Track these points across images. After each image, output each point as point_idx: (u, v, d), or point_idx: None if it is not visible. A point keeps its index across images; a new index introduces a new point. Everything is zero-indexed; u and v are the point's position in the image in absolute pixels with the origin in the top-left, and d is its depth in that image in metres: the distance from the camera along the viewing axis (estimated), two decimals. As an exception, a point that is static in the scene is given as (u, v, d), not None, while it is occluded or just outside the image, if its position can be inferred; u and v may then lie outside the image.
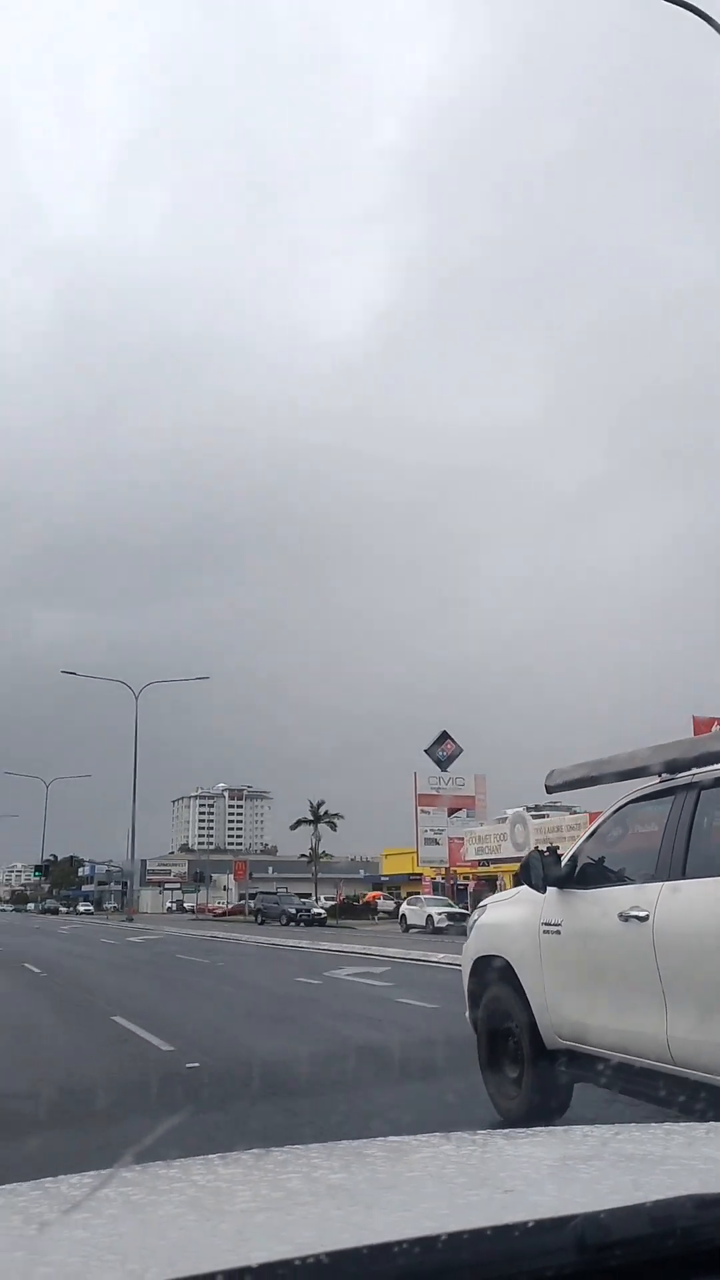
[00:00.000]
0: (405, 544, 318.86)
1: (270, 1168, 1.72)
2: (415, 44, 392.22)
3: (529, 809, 69.36)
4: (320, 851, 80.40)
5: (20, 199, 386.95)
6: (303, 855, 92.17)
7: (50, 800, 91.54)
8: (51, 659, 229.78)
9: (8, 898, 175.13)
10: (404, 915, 49.54)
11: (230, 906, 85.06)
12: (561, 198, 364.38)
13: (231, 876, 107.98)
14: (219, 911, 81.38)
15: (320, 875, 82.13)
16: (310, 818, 79.05)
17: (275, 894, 59.55)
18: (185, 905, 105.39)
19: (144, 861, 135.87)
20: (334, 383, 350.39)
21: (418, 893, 70.95)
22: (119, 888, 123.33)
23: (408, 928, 47.12)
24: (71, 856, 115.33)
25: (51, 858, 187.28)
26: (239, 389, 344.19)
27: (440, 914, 45.05)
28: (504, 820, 59.89)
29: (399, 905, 67.09)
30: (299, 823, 79.96)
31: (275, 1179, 1.63)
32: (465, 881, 55.41)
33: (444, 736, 61.61)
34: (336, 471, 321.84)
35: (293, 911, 53.73)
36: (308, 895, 66.13)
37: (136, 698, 62.79)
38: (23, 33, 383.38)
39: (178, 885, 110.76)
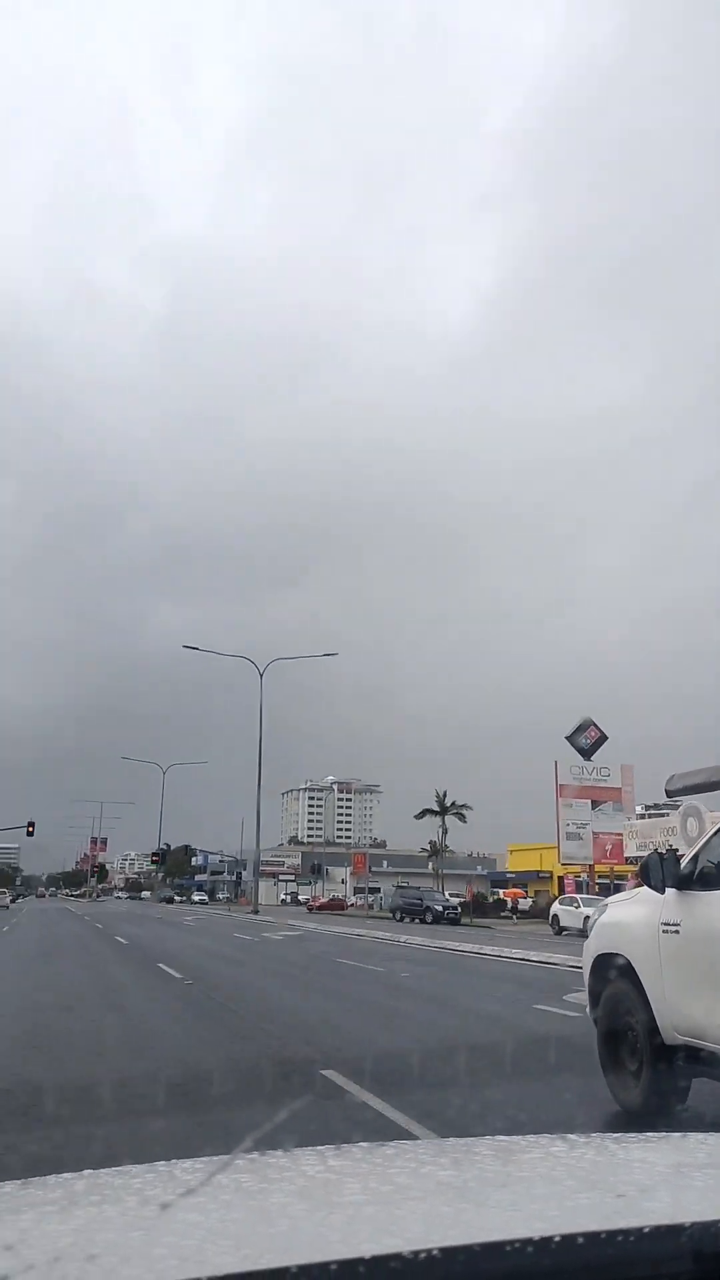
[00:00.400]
0: (527, 535, 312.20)
1: (379, 1162, 1.72)
2: (528, 24, 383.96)
3: (647, 808, 63.56)
4: (442, 846, 75.43)
5: (133, 198, 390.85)
6: (423, 849, 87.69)
7: (166, 788, 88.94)
8: (167, 651, 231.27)
9: (123, 885, 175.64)
10: (556, 916, 44.57)
11: (328, 899, 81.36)
12: (675, 178, 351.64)
13: (349, 870, 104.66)
14: (317, 904, 77.08)
15: (441, 871, 77.37)
16: (436, 808, 74.10)
17: (417, 889, 54.48)
18: (300, 898, 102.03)
19: (259, 847, 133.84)
20: (445, 371, 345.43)
21: (547, 890, 65.80)
22: (233, 878, 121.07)
23: (560, 930, 42.17)
24: (186, 845, 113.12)
25: (165, 846, 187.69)
26: (350, 380, 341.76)
27: (600, 916, 39.95)
28: (644, 816, 54.38)
29: (536, 903, 62.32)
30: (424, 813, 75.25)
31: (384, 1173, 1.63)
32: (622, 880, 49.95)
33: (587, 723, 56.15)
34: (454, 461, 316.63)
35: (439, 909, 48.61)
36: (427, 891, 61.56)
37: (261, 675, 59.44)
38: (135, 30, 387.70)
39: (292, 877, 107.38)
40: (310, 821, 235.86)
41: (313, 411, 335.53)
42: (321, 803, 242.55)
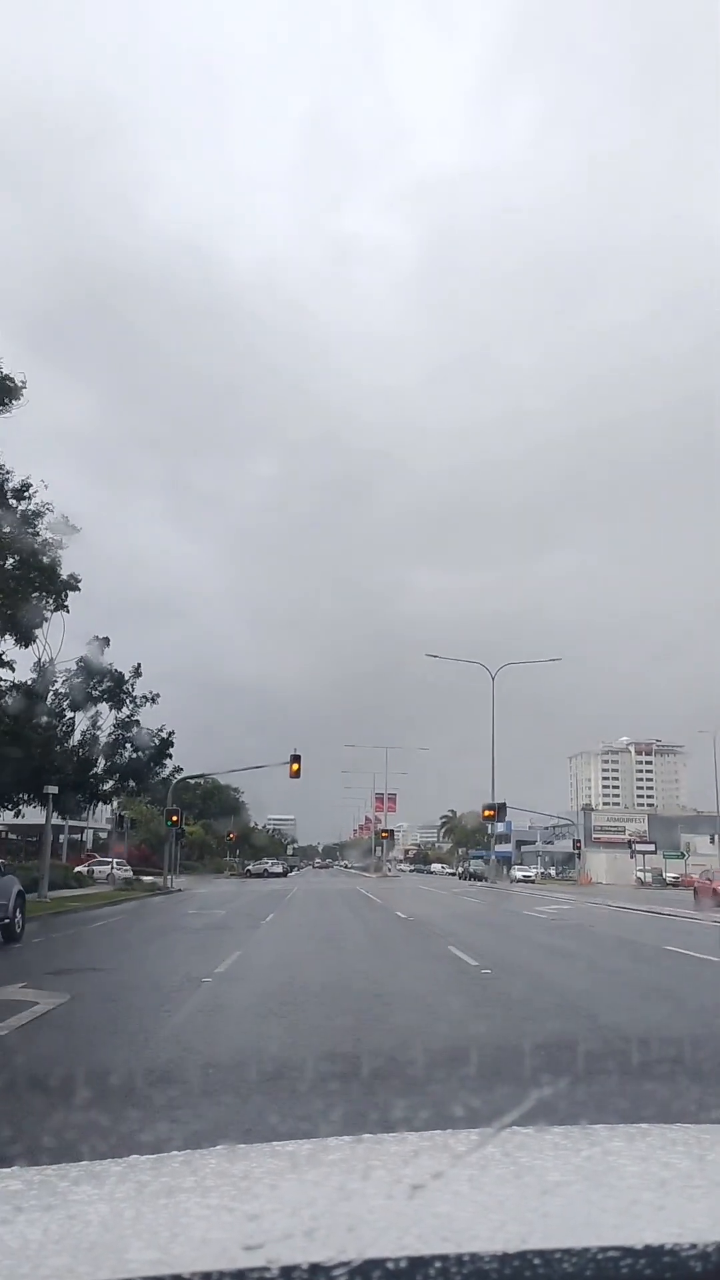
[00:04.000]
0: None
1: (659, 1145, 1.61)
2: None
3: None
4: None
5: (383, 135, 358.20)
6: None
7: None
8: (423, 622, 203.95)
9: (403, 857, 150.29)
10: None
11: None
12: None
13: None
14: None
15: None
16: None
17: None
18: (667, 877, 69.95)
19: (588, 811, 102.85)
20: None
21: None
22: (553, 846, 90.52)
23: None
24: (502, 804, 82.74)
25: (450, 814, 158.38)
26: (630, 313, 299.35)
27: None
28: None
29: None
30: None
31: (664, 1159, 1.50)
32: None
33: None
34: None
35: None
36: None
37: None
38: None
39: (652, 848, 75.20)
40: (605, 788, 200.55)
41: (580, 353, 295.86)
42: (616, 767, 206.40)
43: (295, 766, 41.96)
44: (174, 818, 44.34)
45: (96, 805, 36.42)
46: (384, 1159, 1.43)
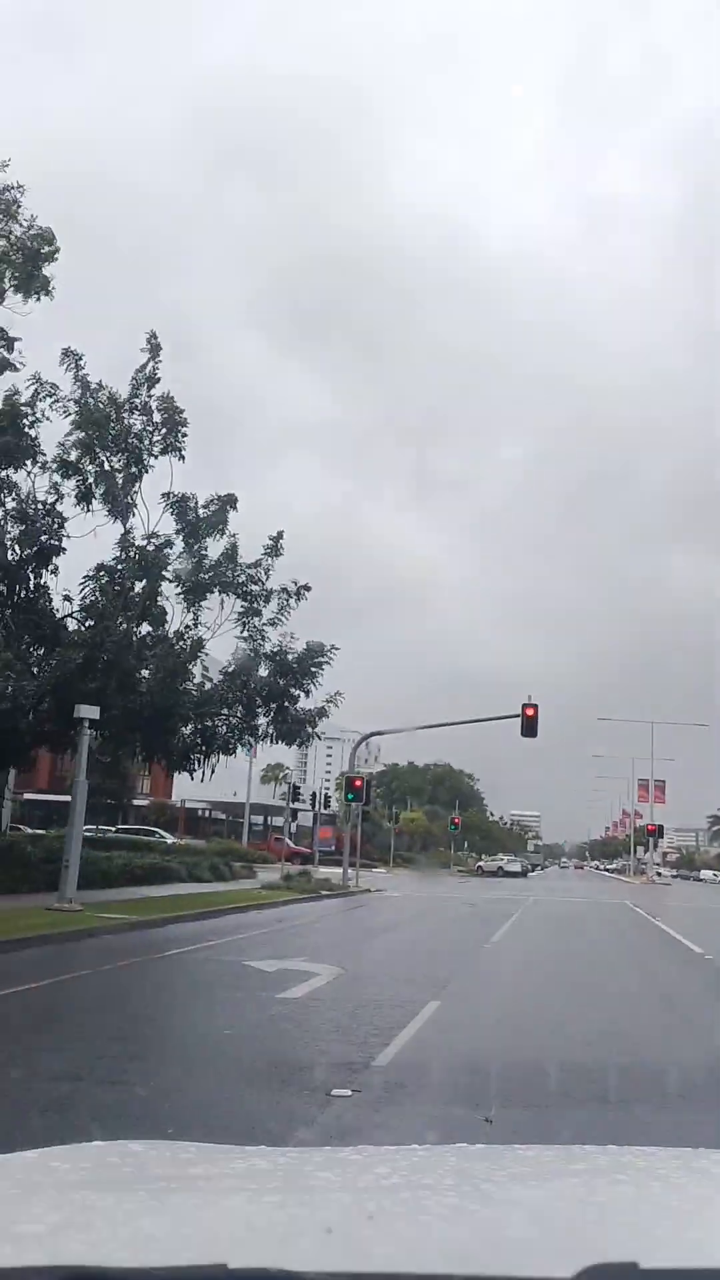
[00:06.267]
0: None
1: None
2: None
3: None
4: None
5: (647, 77, 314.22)
6: None
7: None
8: (694, 604, 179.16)
9: (660, 861, 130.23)
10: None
11: None
12: None
13: None
14: None
15: None
16: None
17: None
18: None
19: None
20: None
21: None
22: None
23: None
24: None
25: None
26: None
27: None
28: None
29: None
30: None
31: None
32: None
33: None
34: None
35: None
36: None
37: None
38: None
39: None
40: None
41: None
42: None
43: (530, 712, 27.06)
44: (356, 783, 30.59)
45: (214, 758, 22.98)
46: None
